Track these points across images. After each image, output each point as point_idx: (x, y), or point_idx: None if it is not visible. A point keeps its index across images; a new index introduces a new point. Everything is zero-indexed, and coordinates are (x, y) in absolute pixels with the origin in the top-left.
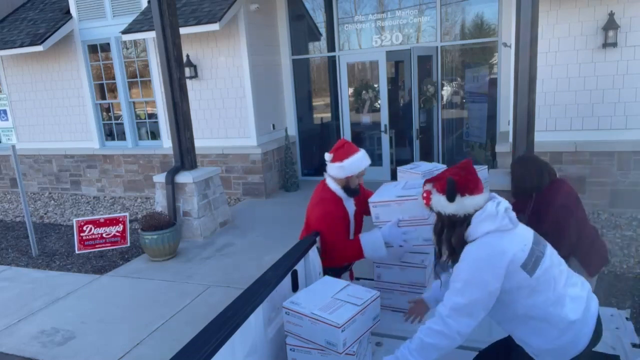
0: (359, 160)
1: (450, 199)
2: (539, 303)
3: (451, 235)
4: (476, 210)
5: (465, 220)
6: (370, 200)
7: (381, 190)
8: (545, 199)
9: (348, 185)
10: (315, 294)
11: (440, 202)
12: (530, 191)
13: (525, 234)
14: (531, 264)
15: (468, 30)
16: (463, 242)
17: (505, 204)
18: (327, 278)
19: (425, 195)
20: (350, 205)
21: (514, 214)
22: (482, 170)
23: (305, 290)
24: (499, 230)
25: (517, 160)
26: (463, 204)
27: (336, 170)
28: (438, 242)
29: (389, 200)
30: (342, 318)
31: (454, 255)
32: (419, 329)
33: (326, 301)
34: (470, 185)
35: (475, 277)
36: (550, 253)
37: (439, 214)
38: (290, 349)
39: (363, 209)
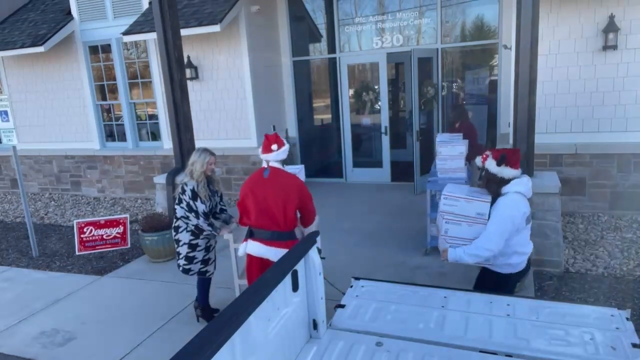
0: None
1: (499, 164)
2: (520, 240)
3: (489, 185)
4: (509, 178)
5: (501, 181)
6: (444, 192)
7: (451, 187)
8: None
9: None
10: (457, 190)
11: (491, 163)
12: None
13: (528, 205)
14: (528, 220)
15: (468, 32)
16: (496, 194)
17: (530, 182)
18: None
19: (484, 156)
20: None
21: (531, 192)
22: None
23: (450, 188)
24: (522, 194)
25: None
26: (503, 170)
27: (283, 154)
28: (484, 186)
29: (460, 197)
30: (487, 199)
31: (492, 196)
32: (474, 241)
33: (467, 192)
34: (512, 162)
35: (502, 223)
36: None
37: (487, 170)
38: (446, 222)
39: None
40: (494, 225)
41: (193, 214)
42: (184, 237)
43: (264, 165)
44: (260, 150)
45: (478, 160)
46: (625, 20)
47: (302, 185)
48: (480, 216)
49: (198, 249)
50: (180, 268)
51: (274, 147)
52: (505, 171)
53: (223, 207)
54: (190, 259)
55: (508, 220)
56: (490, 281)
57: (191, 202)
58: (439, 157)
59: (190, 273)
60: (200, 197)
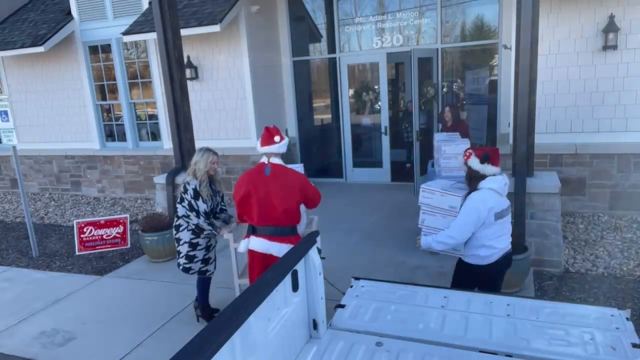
0: None
1: (482, 162)
2: (488, 234)
3: (471, 182)
4: (489, 175)
5: (481, 177)
6: (422, 185)
7: (431, 182)
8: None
9: None
10: (435, 184)
11: (474, 161)
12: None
13: (504, 202)
14: (498, 216)
15: (468, 32)
16: (474, 188)
17: (507, 180)
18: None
19: (467, 154)
20: None
21: (507, 188)
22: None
23: (430, 182)
24: (494, 190)
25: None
26: (485, 168)
27: (284, 147)
28: (467, 183)
29: (436, 190)
30: (459, 194)
31: (470, 191)
32: (442, 231)
33: (443, 187)
34: (493, 160)
35: (467, 215)
36: (508, 219)
37: (469, 167)
38: (422, 212)
39: None
40: (459, 216)
41: (194, 213)
42: (185, 235)
43: (264, 160)
44: (259, 143)
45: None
46: (625, 20)
47: (304, 179)
48: (453, 209)
49: (198, 247)
50: (181, 267)
51: (277, 138)
52: (487, 169)
53: (224, 207)
54: (190, 258)
55: (473, 212)
56: (461, 271)
57: (193, 201)
58: (444, 155)
59: (191, 272)
60: (202, 196)
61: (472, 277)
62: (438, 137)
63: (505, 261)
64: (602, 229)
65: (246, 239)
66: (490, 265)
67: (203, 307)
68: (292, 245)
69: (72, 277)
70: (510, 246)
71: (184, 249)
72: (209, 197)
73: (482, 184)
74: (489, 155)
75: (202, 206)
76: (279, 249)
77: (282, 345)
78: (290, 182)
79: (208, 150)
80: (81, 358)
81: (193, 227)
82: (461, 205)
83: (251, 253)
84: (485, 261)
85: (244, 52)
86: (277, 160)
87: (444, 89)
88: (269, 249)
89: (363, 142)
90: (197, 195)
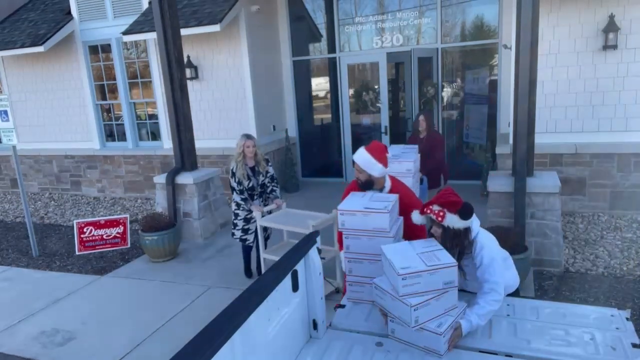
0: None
1: (464, 217)
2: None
3: (458, 241)
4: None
5: (468, 230)
6: (339, 207)
7: (349, 199)
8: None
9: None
10: (355, 202)
11: (453, 219)
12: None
13: None
14: None
15: (468, 32)
16: (471, 241)
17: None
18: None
19: (441, 214)
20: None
21: None
22: None
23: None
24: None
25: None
26: (471, 220)
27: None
28: (450, 250)
29: (356, 210)
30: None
31: (466, 252)
32: (480, 299)
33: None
34: (470, 210)
35: (498, 253)
36: None
37: (447, 228)
38: (346, 237)
39: None
40: (492, 269)
41: (231, 189)
42: (233, 207)
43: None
44: (379, 166)
45: (415, 216)
46: (625, 20)
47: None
48: (380, 229)
49: (239, 218)
50: (231, 233)
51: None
52: (474, 220)
53: (275, 187)
54: (234, 225)
55: (497, 251)
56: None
57: (230, 180)
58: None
59: (234, 237)
60: (237, 175)
61: None
62: (391, 151)
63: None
64: (602, 228)
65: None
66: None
67: (245, 268)
68: None
69: (72, 277)
70: None
71: (233, 217)
72: (244, 176)
73: (474, 228)
74: (469, 207)
75: (233, 184)
76: None
77: (282, 345)
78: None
79: (244, 135)
80: (81, 358)
81: (235, 200)
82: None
83: None
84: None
85: (244, 52)
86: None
87: (444, 89)
88: None
89: (363, 141)
90: (232, 174)
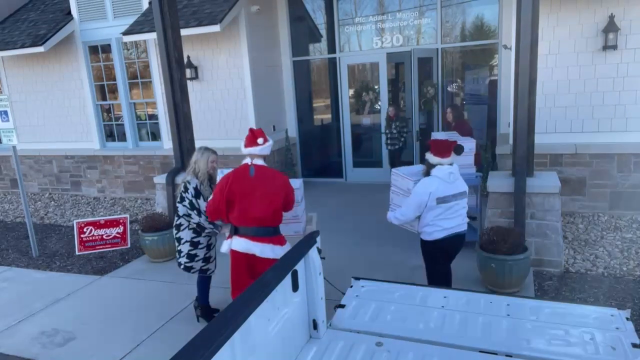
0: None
1: (427, 151)
2: (432, 215)
3: (427, 170)
4: (435, 164)
5: (431, 166)
6: (393, 170)
7: (405, 168)
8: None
9: None
10: (404, 170)
11: (429, 155)
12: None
13: (451, 188)
14: (441, 200)
15: (468, 32)
16: (426, 175)
17: (451, 169)
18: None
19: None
20: None
21: (454, 177)
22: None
23: (403, 168)
24: (439, 177)
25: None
26: (430, 157)
27: (267, 150)
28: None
29: (399, 175)
30: (413, 179)
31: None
32: (396, 210)
33: (407, 173)
34: (433, 150)
35: (411, 198)
36: (457, 204)
37: (426, 160)
38: (392, 192)
39: None
40: (407, 199)
41: (195, 211)
42: (186, 235)
43: (247, 162)
44: (242, 144)
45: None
46: (625, 20)
47: (287, 180)
48: (408, 190)
49: (200, 246)
50: (182, 266)
51: (260, 140)
52: (431, 158)
53: None
54: (192, 257)
55: (415, 196)
56: (420, 246)
57: (194, 200)
58: None
59: (192, 271)
60: (203, 195)
61: (426, 250)
62: (435, 136)
63: (456, 239)
64: (602, 228)
65: (229, 240)
66: (437, 240)
67: (203, 306)
68: (273, 245)
69: (72, 277)
70: (462, 227)
71: (185, 247)
72: (209, 196)
73: (432, 171)
74: (430, 146)
75: (203, 205)
76: (261, 249)
77: (282, 345)
78: (276, 184)
79: (207, 149)
80: (81, 358)
81: (194, 225)
82: None
83: (234, 253)
84: (431, 237)
85: (244, 52)
86: (260, 162)
87: (444, 89)
88: (251, 248)
89: (363, 142)
90: (198, 194)
